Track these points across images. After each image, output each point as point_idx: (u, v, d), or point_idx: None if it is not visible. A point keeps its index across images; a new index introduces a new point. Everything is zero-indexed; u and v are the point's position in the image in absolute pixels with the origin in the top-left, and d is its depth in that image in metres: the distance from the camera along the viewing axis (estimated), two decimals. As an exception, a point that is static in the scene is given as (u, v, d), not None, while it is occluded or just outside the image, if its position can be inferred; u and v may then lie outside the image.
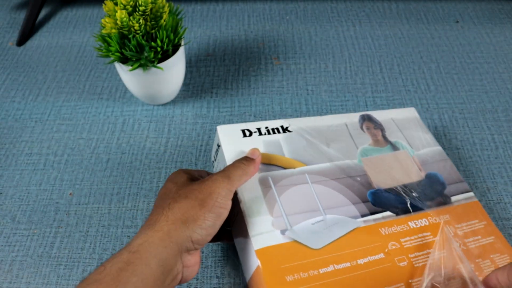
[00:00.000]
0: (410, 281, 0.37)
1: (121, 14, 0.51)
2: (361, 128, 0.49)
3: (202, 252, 0.50)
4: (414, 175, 0.46)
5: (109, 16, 0.54)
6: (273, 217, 0.39)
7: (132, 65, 0.55)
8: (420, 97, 0.67)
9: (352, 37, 0.77)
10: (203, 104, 0.66)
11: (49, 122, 0.64)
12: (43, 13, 0.84)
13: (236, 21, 0.81)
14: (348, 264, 0.37)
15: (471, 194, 0.46)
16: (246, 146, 0.44)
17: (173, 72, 0.59)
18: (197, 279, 0.48)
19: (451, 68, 0.71)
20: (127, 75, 0.58)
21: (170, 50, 0.57)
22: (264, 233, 0.38)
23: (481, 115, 0.64)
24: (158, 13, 0.54)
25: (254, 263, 0.37)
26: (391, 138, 0.49)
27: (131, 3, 0.52)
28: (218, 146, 0.45)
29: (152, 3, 0.53)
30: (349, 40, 0.77)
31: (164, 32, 0.54)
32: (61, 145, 0.61)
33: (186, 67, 0.72)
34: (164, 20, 0.55)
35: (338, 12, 0.82)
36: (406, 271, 0.37)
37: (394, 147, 0.48)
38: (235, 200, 0.41)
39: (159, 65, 0.56)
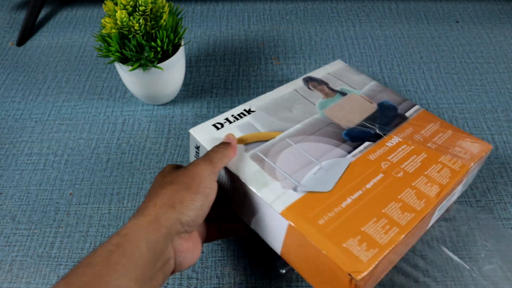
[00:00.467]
0: (413, 184, 0.44)
1: (121, 14, 0.51)
2: (308, 88, 0.56)
3: (202, 252, 0.50)
4: (369, 109, 0.53)
5: (109, 16, 0.54)
6: (280, 181, 0.43)
7: (132, 65, 0.55)
8: (420, 97, 0.67)
9: (352, 37, 0.77)
10: (203, 104, 0.66)
11: (49, 122, 0.64)
12: (43, 13, 0.84)
13: (236, 21, 0.81)
14: (360, 192, 0.42)
15: (418, 106, 0.54)
16: (223, 137, 0.47)
17: (173, 72, 0.59)
18: (197, 279, 0.48)
19: (451, 68, 0.71)
20: (127, 75, 0.58)
21: (170, 50, 0.57)
22: (280, 196, 0.41)
23: (481, 115, 0.64)
24: (158, 13, 0.54)
25: (283, 226, 0.40)
26: (336, 87, 0.56)
27: (131, 3, 0.52)
28: (197, 147, 0.47)
29: (152, 3, 0.53)
30: (349, 40, 0.77)
31: (164, 32, 0.54)
32: (61, 145, 0.61)
33: (186, 67, 0.72)
34: (164, 20, 0.55)
35: (338, 12, 0.82)
36: (406, 179, 0.44)
37: (343, 93, 0.55)
38: (237, 187, 0.44)
39: (159, 65, 0.56)
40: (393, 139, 0.49)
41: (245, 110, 0.51)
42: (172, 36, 0.56)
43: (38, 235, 0.52)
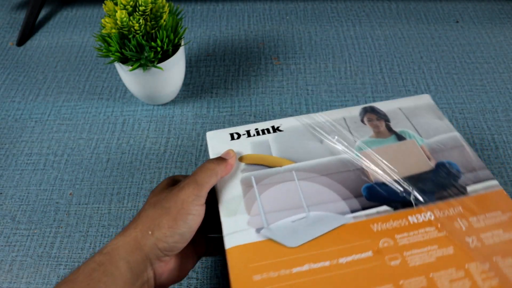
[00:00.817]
0: (401, 282, 0.33)
1: (121, 14, 0.51)
2: (362, 121, 0.46)
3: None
4: (422, 165, 0.41)
5: (109, 16, 0.54)
6: (250, 215, 0.38)
7: (132, 65, 0.55)
8: (420, 97, 0.67)
9: (352, 37, 0.77)
10: (203, 104, 0.66)
11: (49, 122, 0.64)
12: (43, 13, 0.84)
13: (236, 21, 0.81)
14: (327, 263, 0.34)
15: (495, 182, 0.40)
16: (234, 149, 0.43)
17: (173, 72, 0.59)
18: (197, 279, 0.48)
19: (451, 68, 0.71)
20: (127, 75, 0.58)
21: (170, 50, 0.57)
22: (238, 232, 0.37)
23: (481, 115, 0.64)
24: (158, 13, 0.54)
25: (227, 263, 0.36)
26: (397, 128, 0.45)
27: (131, 3, 0.52)
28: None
29: (152, 3, 0.53)
30: (349, 40, 0.77)
31: (164, 32, 0.54)
32: (61, 145, 0.61)
33: (186, 67, 0.72)
34: (164, 20, 0.55)
35: (338, 12, 0.82)
36: (397, 271, 0.34)
37: (400, 137, 0.44)
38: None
39: (159, 65, 0.56)
40: (423, 214, 0.37)
41: (272, 127, 0.45)
42: (172, 36, 0.56)
43: (38, 235, 0.52)
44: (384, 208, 0.38)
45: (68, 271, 0.49)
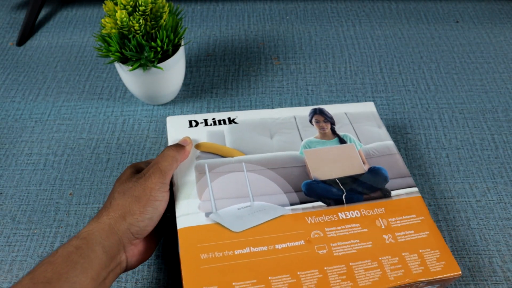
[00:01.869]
0: (325, 268, 0.38)
1: (121, 14, 0.51)
2: (310, 121, 0.50)
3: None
4: (357, 168, 0.46)
5: (109, 16, 0.54)
6: (201, 200, 0.42)
7: (132, 65, 0.55)
8: (420, 97, 0.67)
9: (352, 37, 0.77)
10: (203, 104, 0.66)
11: (49, 122, 0.64)
12: (43, 13, 0.84)
13: (236, 21, 0.81)
14: (265, 248, 0.39)
15: (415, 189, 0.46)
16: (190, 136, 0.47)
17: (173, 72, 0.59)
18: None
19: (451, 68, 0.71)
20: (127, 75, 0.58)
21: (170, 50, 0.57)
22: (189, 214, 0.41)
23: (481, 115, 0.64)
24: (158, 13, 0.54)
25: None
26: (340, 132, 0.50)
27: (131, 3, 0.52)
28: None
29: (152, 3, 0.53)
30: (349, 40, 0.77)
31: (164, 32, 0.54)
32: (61, 145, 0.61)
33: (186, 67, 0.72)
34: (164, 20, 0.55)
35: (338, 12, 0.82)
36: (323, 259, 0.39)
37: (341, 140, 0.49)
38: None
39: (159, 65, 0.56)
40: (351, 212, 0.42)
41: (228, 118, 0.49)
42: (172, 36, 0.56)
43: (38, 235, 0.52)
44: (319, 203, 0.43)
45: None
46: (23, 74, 0.72)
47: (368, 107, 0.54)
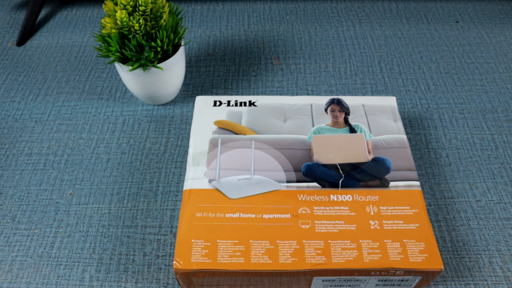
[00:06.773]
0: (304, 241, 0.41)
1: (121, 14, 0.51)
2: (326, 110, 0.52)
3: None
4: (360, 157, 0.47)
5: (109, 16, 0.54)
6: (208, 168, 0.47)
7: (132, 65, 0.55)
8: (420, 97, 0.67)
9: (352, 37, 0.77)
10: (203, 104, 0.66)
11: (49, 122, 0.64)
12: (43, 13, 0.84)
13: (236, 21, 0.81)
14: (253, 216, 0.43)
15: (416, 183, 0.46)
16: (213, 114, 0.52)
17: (173, 72, 0.59)
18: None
19: (451, 68, 0.71)
20: (127, 75, 0.58)
21: (170, 50, 0.57)
22: (195, 179, 0.46)
23: (481, 115, 0.64)
24: (158, 13, 0.54)
25: None
26: (353, 122, 0.51)
27: (131, 3, 0.52)
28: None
29: (152, 3, 0.53)
30: (349, 40, 0.77)
31: (164, 32, 0.54)
32: (61, 145, 0.61)
33: (186, 67, 0.72)
34: (164, 20, 0.55)
35: (338, 12, 0.82)
36: (304, 233, 0.41)
37: (352, 129, 0.50)
38: None
39: (159, 65, 0.56)
40: (343, 196, 0.44)
41: (249, 101, 0.54)
42: (172, 36, 0.56)
43: (38, 235, 0.52)
44: (315, 184, 0.45)
45: (68, 271, 0.49)
46: (23, 74, 0.72)
47: (389, 101, 0.54)
